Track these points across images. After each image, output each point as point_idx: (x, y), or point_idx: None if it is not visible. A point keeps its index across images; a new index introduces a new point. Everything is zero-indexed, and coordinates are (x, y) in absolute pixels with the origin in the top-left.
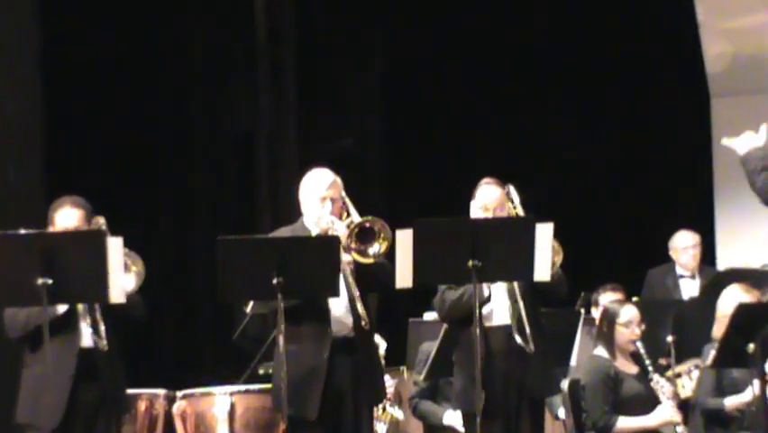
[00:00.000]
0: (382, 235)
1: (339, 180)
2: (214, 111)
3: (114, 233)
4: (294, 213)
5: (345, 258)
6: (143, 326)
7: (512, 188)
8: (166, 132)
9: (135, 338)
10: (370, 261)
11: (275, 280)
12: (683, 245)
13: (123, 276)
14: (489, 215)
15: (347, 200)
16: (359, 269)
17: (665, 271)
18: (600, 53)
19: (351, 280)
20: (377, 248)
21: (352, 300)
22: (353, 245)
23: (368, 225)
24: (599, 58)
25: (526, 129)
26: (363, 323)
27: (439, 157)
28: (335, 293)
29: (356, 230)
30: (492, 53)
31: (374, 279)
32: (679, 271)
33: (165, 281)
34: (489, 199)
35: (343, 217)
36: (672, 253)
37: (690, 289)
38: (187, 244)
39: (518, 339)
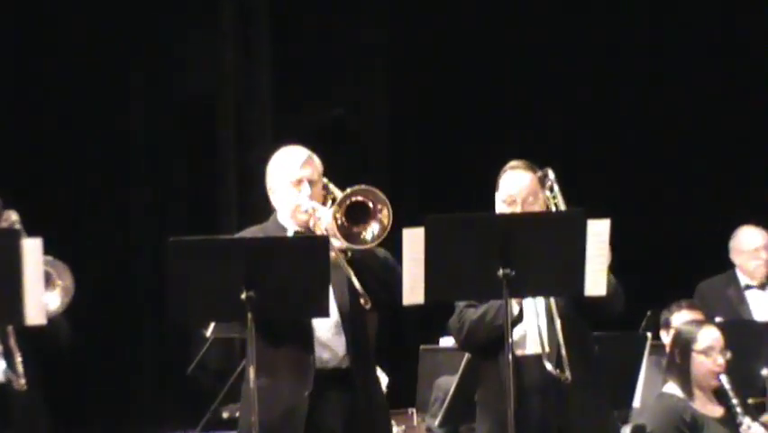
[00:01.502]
0: (380, 210)
1: (316, 158)
2: (161, 71)
3: (32, 233)
4: (268, 206)
5: (335, 243)
6: (68, 356)
7: (551, 173)
8: (97, 100)
9: (58, 373)
10: (367, 246)
11: (243, 295)
12: (751, 246)
13: (42, 290)
14: (517, 209)
15: (330, 185)
16: (353, 260)
17: (725, 281)
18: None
19: (347, 268)
20: (376, 229)
21: (344, 315)
22: (344, 230)
23: (360, 198)
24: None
25: (567, 98)
26: (363, 300)
27: (459, 133)
28: (323, 312)
29: (344, 209)
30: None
31: (374, 278)
32: (743, 279)
33: (98, 298)
34: (517, 189)
35: (328, 206)
36: (735, 257)
37: (761, 303)
38: (127, 248)
39: (549, 366)
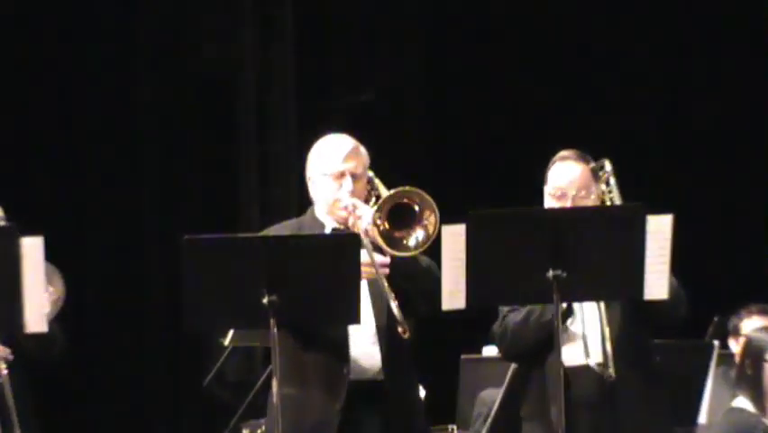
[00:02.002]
0: (427, 216)
1: (363, 150)
2: (172, 53)
3: (30, 231)
4: (291, 200)
5: (378, 259)
6: (58, 366)
7: (608, 164)
8: (102, 84)
9: (53, 386)
10: (410, 254)
11: (266, 299)
12: None
13: (44, 294)
14: (567, 203)
15: (376, 180)
16: (394, 267)
17: None
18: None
19: (384, 284)
20: (420, 236)
21: (380, 325)
22: (385, 235)
23: (405, 200)
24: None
25: (624, 81)
26: (401, 329)
27: (504, 121)
28: (353, 318)
29: (387, 211)
30: None
31: (415, 288)
32: None
33: (104, 304)
34: (567, 181)
35: (371, 204)
36: None
37: None
38: (136, 249)
39: (591, 362)
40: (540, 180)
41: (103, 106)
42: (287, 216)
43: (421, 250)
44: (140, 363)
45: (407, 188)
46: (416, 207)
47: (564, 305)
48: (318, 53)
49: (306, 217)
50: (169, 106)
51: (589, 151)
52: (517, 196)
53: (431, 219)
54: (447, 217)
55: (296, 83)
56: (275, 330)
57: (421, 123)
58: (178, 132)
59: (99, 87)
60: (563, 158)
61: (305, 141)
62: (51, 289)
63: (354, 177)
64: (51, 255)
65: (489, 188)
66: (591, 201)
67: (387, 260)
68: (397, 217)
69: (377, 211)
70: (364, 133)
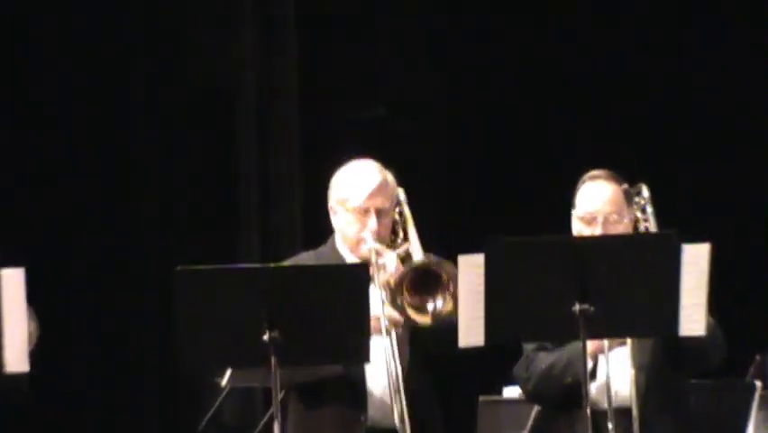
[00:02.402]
0: (450, 287)
1: (391, 180)
2: (166, 60)
3: (6, 260)
4: (295, 226)
5: (392, 315)
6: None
7: (645, 190)
8: (92, 92)
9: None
10: (427, 321)
11: (266, 336)
12: None
13: (26, 330)
14: (597, 229)
15: (407, 214)
16: (413, 332)
17: None
18: None
19: (396, 348)
20: (439, 304)
21: (402, 368)
22: (406, 295)
23: (434, 268)
24: None
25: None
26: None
27: (528, 139)
28: (362, 357)
29: (413, 273)
30: None
31: (438, 347)
32: None
33: (87, 339)
34: (597, 204)
35: (398, 243)
36: None
37: None
38: (123, 278)
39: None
40: (567, 204)
41: (95, 117)
42: (290, 245)
43: (437, 321)
44: (127, 406)
45: (439, 261)
46: (443, 275)
47: (590, 365)
48: (324, 61)
49: (325, 249)
50: (163, 119)
51: (624, 175)
52: (541, 222)
53: (453, 287)
54: (463, 246)
55: (300, 94)
56: (276, 370)
57: (437, 141)
58: (171, 146)
59: (96, 94)
60: (594, 177)
61: (309, 159)
62: None
63: (380, 213)
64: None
65: (510, 213)
66: (624, 227)
67: (401, 319)
68: (422, 282)
69: (403, 272)
70: (377, 149)
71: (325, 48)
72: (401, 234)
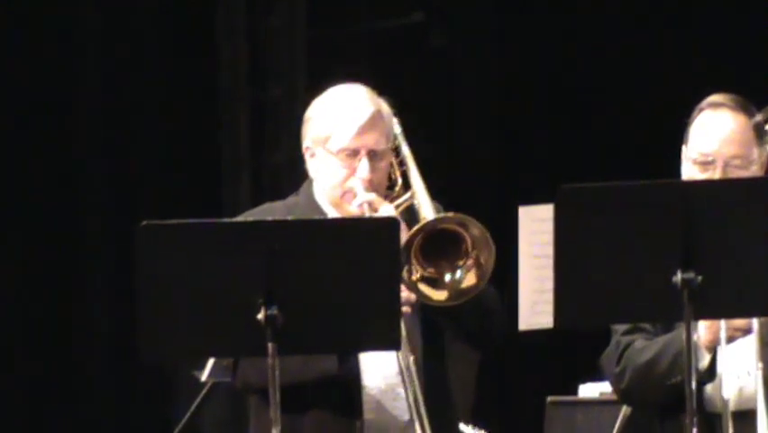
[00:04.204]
0: (473, 252)
1: (386, 110)
2: None
3: None
4: (297, 171)
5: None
6: None
7: None
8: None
9: None
10: (443, 297)
11: (261, 314)
12: None
13: None
14: (715, 174)
15: (407, 154)
16: (426, 313)
17: None
18: None
19: (405, 328)
20: (459, 275)
21: (408, 372)
22: (415, 264)
23: (443, 226)
24: None
25: None
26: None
27: (606, 65)
28: (392, 342)
29: (420, 238)
30: None
31: (460, 326)
32: None
33: (28, 320)
34: (716, 142)
35: (396, 190)
36: None
37: None
38: (76, 239)
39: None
40: (665, 146)
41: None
42: (289, 190)
43: (458, 301)
44: (79, 406)
45: (450, 213)
46: (460, 235)
47: (705, 362)
48: None
49: (299, 199)
50: (121, 37)
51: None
52: (625, 170)
53: (479, 251)
54: (523, 196)
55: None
56: (275, 359)
57: (487, 60)
58: (132, 74)
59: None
60: (715, 105)
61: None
62: None
63: (374, 155)
64: None
65: (583, 157)
66: (752, 172)
67: (412, 297)
68: (433, 248)
69: (409, 239)
70: (408, 67)
71: None
72: (399, 182)
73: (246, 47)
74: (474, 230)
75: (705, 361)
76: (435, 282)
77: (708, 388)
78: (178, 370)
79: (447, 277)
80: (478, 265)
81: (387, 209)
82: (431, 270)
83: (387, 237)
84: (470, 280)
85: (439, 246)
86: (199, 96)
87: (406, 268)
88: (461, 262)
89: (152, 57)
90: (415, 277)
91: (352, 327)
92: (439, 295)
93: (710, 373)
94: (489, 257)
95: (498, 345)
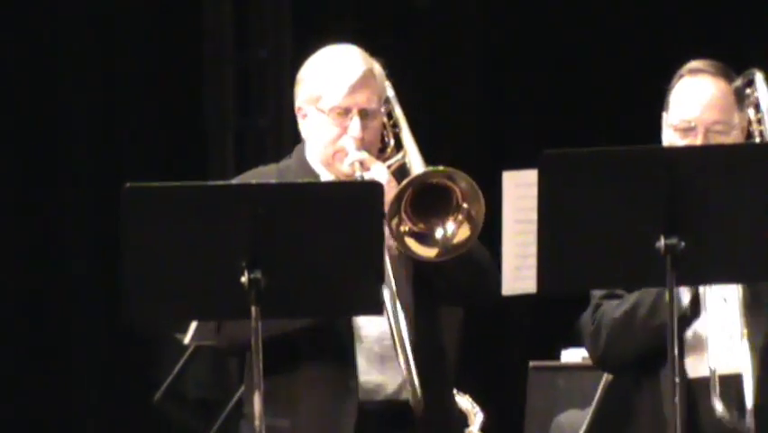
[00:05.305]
0: (463, 205)
1: (378, 69)
2: None
3: None
4: (284, 134)
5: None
6: None
7: (758, 77)
8: None
9: None
10: (434, 254)
11: (245, 277)
12: None
13: None
14: (696, 140)
15: (399, 115)
16: (416, 269)
17: None
18: None
19: (396, 286)
20: (450, 229)
21: (399, 331)
22: (405, 220)
23: (435, 181)
24: None
25: None
26: (411, 398)
27: (596, 33)
28: (373, 306)
29: (410, 192)
30: None
31: (452, 283)
32: None
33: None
34: (698, 107)
35: (388, 151)
36: None
37: None
38: (54, 202)
39: (719, 406)
40: (648, 114)
41: None
42: (274, 159)
43: (449, 256)
44: (62, 370)
45: (440, 168)
46: (451, 189)
47: (686, 297)
48: None
49: (290, 162)
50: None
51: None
52: (609, 136)
53: (470, 206)
54: (509, 161)
55: None
56: (258, 323)
57: (480, 36)
58: (117, 31)
59: None
60: (694, 71)
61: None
62: None
63: (365, 114)
64: None
65: (571, 123)
66: (733, 138)
67: (397, 252)
68: (423, 202)
69: (397, 191)
70: (410, 46)
71: None
72: (392, 143)
73: (231, 8)
74: (462, 183)
75: (686, 298)
76: (425, 238)
77: (690, 355)
78: (161, 333)
79: (438, 233)
80: (469, 218)
81: (378, 168)
82: (421, 225)
83: (370, 201)
84: (462, 234)
85: (429, 203)
86: (185, 60)
87: (395, 221)
88: (451, 217)
89: (138, 20)
90: (403, 229)
91: (335, 291)
92: (429, 252)
93: (694, 309)
94: (479, 209)
95: (491, 304)
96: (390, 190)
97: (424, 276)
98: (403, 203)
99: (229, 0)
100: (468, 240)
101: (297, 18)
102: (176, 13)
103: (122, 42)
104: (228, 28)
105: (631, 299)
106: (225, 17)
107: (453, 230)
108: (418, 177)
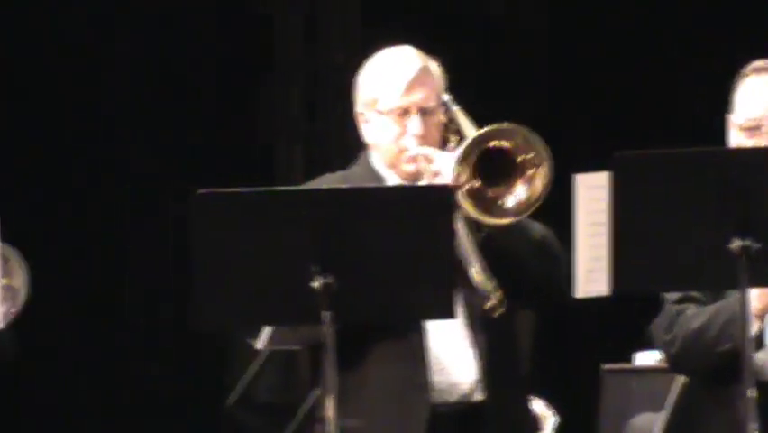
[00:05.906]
0: (533, 166)
1: (435, 69)
2: None
3: None
4: (347, 142)
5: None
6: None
7: None
8: None
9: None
10: (508, 221)
11: (316, 282)
12: None
13: None
14: (762, 141)
15: (455, 108)
16: (487, 242)
17: None
18: None
19: (473, 256)
20: (522, 194)
21: (474, 319)
22: (472, 192)
23: (501, 143)
24: None
25: None
26: (491, 302)
27: (662, 37)
28: (445, 310)
29: (475, 160)
30: None
31: (524, 271)
32: None
33: (75, 296)
34: (762, 107)
35: (450, 145)
36: None
37: None
38: (119, 207)
39: None
40: (716, 112)
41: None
42: (345, 163)
43: (524, 215)
44: (132, 376)
45: (504, 125)
46: (518, 154)
47: (755, 328)
48: None
49: (356, 169)
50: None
51: None
52: (679, 137)
53: (540, 171)
54: (579, 163)
55: None
56: (331, 328)
57: (544, 42)
58: (178, 40)
59: None
60: (759, 70)
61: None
62: (5, 281)
63: (424, 112)
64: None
65: (639, 125)
66: None
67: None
68: (490, 168)
69: (460, 161)
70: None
71: None
72: (454, 141)
73: (300, 13)
74: (522, 140)
75: (754, 329)
76: (495, 207)
77: (760, 356)
78: (232, 337)
79: (509, 200)
80: (531, 181)
81: (443, 157)
82: (490, 192)
83: (440, 205)
84: (528, 196)
85: (494, 170)
86: (253, 65)
87: (470, 195)
88: (519, 182)
89: (208, 24)
90: (473, 196)
91: (405, 296)
92: (500, 219)
93: (759, 342)
94: (545, 172)
95: (563, 300)
96: (456, 171)
97: (497, 269)
98: (471, 170)
99: (299, 5)
100: (537, 195)
101: (367, 22)
102: (246, 18)
103: (190, 47)
104: (298, 32)
105: (707, 312)
106: (297, 21)
107: (523, 193)
108: (475, 137)
